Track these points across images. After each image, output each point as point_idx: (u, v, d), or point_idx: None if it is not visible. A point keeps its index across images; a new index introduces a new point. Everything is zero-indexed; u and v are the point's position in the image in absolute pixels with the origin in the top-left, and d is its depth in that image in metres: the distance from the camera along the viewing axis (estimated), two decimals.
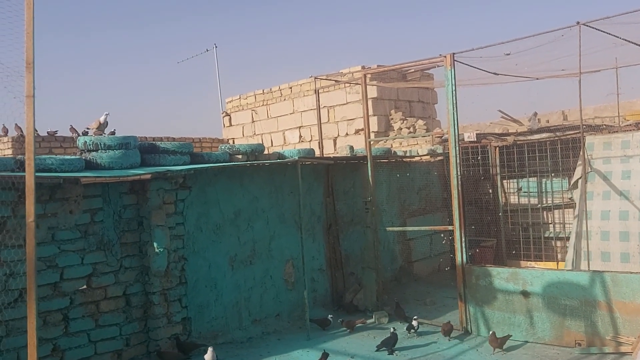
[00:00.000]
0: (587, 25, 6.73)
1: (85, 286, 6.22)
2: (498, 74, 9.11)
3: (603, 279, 6.41)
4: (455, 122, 7.62)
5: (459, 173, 7.64)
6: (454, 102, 7.61)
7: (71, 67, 51.15)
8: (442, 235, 10.86)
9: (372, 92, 13.43)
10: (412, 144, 12.73)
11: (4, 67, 3.50)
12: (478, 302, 7.45)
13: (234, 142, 17.26)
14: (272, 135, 16.18)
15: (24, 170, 5.72)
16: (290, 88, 15.63)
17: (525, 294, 7.02)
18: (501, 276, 7.25)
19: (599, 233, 8.74)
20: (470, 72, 8.77)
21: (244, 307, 7.89)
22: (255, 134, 16.75)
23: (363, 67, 13.74)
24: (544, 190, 10.92)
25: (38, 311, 5.69)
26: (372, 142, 8.71)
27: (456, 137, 7.61)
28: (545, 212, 10.88)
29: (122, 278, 6.57)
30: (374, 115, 13.55)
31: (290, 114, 15.60)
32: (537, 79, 10.15)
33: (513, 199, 11.14)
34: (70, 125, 13.75)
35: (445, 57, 7.68)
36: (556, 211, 10.69)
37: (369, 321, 8.21)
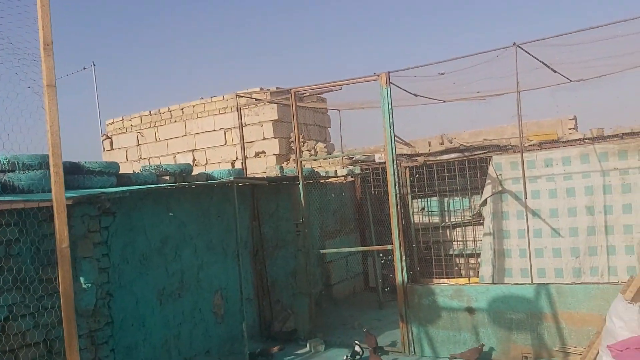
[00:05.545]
0: (520, 47, 7.04)
1: None
2: (417, 95, 9.32)
3: (548, 291, 6.61)
4: (393, 140, 7.57)
5: (397, 192, 7.56)
6: (391, 120, 7.57)
7: None
8: (372, 255, 10.74)
9: (273, 114, 13.16)
10: (317, 166, 12.59)
11: (14, 47, 2.67)
12: (421, 322, 7.36)
13: None
14: (161, 159, 15.15)
15: None
16: (182, 109, 14.82)
17: (470, 310, 7.06)
18: (445, 294, 7.24)
19: (517, 250, 9.17)
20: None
21: (174, 346, 7.08)
22: (141, 158, 15.61)
23: (261, 89, 13.42)
24: (446, 209, 11.31)
25: None
26: (302, 163, 8.39)
27: (393, 155, 7.55)
28: (447, 230, 11.26)
29: (43, 321, 5.53)
30: (275, 137, 13.24)
31: (182, 136, 14.76)
32: (445, 101, 10.55)
33: (421, 218, 11.38)
34: None
35: (380, 75, 7.65)
36: (458, 229, 11.12)
37: (303, 350, 7.80)
